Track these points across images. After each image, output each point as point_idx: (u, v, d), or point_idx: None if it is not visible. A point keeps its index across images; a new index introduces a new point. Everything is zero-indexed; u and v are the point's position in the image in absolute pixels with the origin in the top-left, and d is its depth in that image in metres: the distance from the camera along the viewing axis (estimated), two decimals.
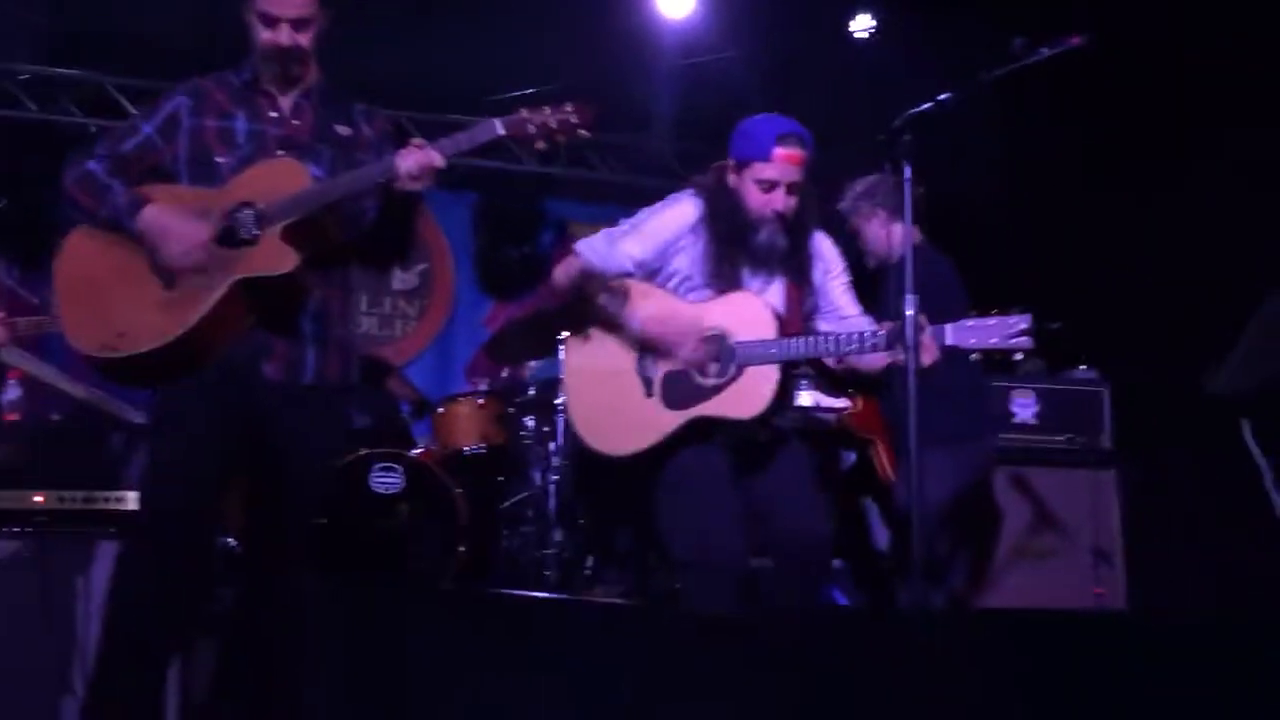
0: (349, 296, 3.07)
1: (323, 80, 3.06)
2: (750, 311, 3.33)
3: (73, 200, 2.91)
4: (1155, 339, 3.93)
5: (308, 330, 2.93)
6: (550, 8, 6.04)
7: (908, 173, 2.87)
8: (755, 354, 3.27)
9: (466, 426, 5.41)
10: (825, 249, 3.52)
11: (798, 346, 3.25)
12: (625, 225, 3.50)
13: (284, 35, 2.89)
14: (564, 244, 7.75)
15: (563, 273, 3.50)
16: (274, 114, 2.97)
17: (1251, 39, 5.06)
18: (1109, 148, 5.51)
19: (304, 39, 2.93)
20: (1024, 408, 4.63)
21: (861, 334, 3.21)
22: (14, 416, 4.84)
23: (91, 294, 2.88)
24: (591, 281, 3.43)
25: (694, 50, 6.42)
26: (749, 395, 3.27)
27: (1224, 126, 5.25)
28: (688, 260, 3.43)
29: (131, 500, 3.76)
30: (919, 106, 2.88)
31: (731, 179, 3.41)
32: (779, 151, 3.30)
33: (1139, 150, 5.51)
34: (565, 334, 5.17)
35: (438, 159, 2.80)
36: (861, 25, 6.38)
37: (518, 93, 5.00)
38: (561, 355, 3.54)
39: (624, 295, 3.39)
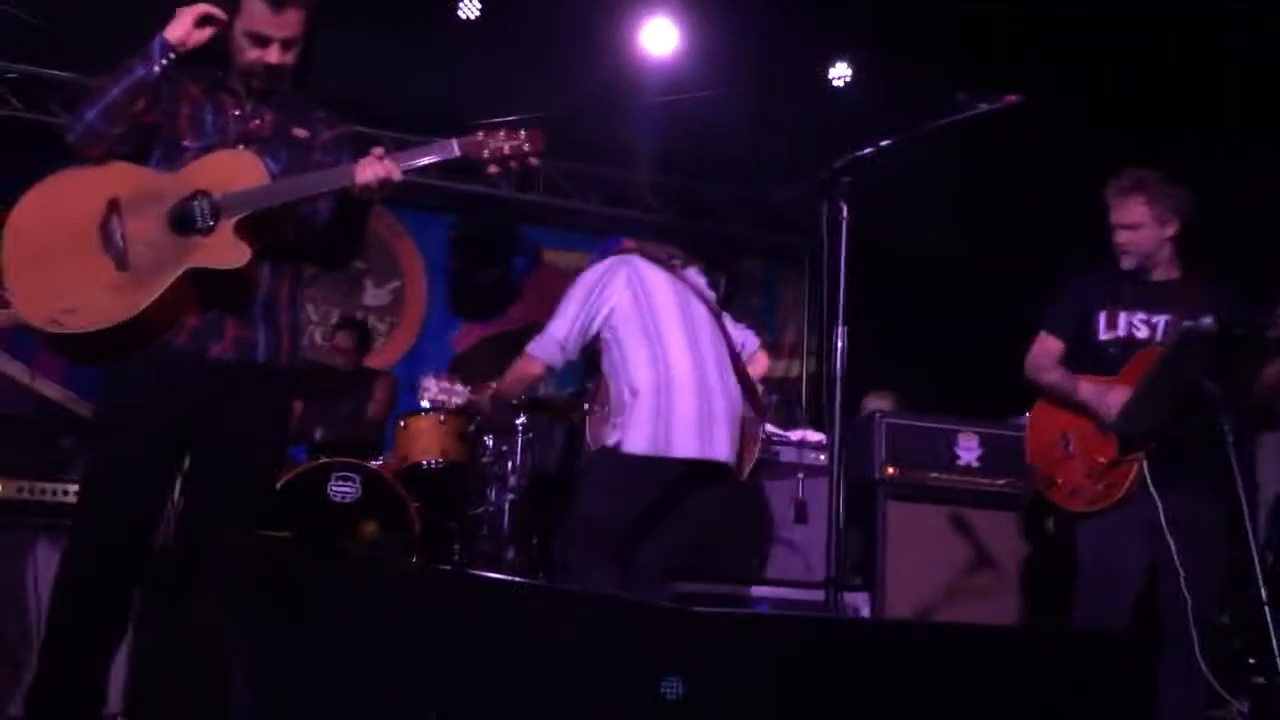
0: (298, 288, 3.13)
1: (287, 86, 3.12)
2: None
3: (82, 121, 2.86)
4: None
5: (258, 313, 3.00)
6: (540, 40, 6.17)
7: (844, 212, 2.98)
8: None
9: (427, 442, 5.47)
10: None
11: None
12: None
13: (273, 54, 2.97)
14: (536, 270, 7.89)
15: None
16: (237, 112, 3.04)
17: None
18: (1049, 198, 5.70)
19: (290, 57, 3.00)
20: (967, 450, 4.72)
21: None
22: None
23: (41, 262, 2.86)
24: None
25: (676, 88, 6.56)
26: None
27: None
28: None
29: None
30: (862, 150, 2.99)
31: None
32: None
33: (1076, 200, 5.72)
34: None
35: (395, 171, 2.87)
36: (839, 73, 6.57)
37: (499, 119, 5.11)
38: None
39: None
